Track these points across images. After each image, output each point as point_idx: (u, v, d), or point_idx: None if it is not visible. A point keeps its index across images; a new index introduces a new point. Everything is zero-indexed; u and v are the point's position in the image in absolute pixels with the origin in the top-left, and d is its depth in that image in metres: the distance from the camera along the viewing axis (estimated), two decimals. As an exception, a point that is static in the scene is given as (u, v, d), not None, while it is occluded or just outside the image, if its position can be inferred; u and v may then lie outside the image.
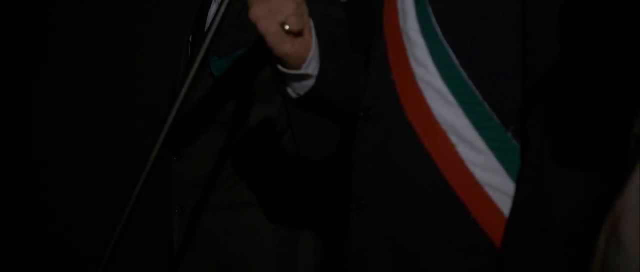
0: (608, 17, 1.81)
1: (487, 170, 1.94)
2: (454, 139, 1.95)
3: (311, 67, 2.08)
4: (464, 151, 1.95)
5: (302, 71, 2.07)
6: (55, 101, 4.07)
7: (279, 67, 2.09)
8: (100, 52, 3.96)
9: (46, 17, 4.06)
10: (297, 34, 2.02)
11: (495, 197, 1.93)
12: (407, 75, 2.00)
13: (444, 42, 1.95)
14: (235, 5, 2.07)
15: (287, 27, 1.98)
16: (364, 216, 2.04)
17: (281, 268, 2.68)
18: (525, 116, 1.90)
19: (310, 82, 2.10)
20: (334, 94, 2.15)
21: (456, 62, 1.94)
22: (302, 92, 2.12)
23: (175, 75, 2.76)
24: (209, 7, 2.72)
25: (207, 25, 2.69)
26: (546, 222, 1.84)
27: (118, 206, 2.00)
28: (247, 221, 2.69)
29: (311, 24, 2.08)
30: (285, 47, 2.02)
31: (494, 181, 1.93)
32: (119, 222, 1.96)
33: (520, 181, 1.90)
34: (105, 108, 3.97)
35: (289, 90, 2.14)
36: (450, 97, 1.95)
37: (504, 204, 1.92)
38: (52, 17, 4.05)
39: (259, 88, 2.64)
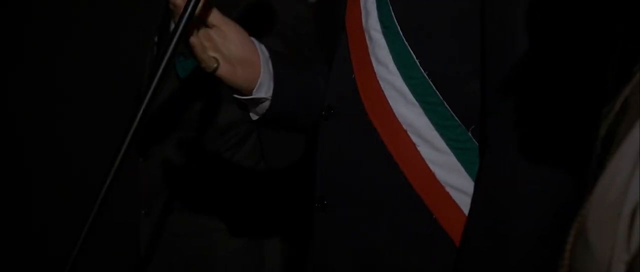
0: (570, 17, 1.82)
1: (447, 170, 1.94)
2: (415, 138, 1.95)
3: (263, 90, 2.10)
4: (424, 151, 1.95)
5: (253, 96, 2.09)
6: (18, 104, 4.04)
7: (234, 95, 2.11)
8: (66, 54, 3.94)
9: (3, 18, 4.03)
10: (236, 62, 2.04)
11: (456, 197, 1.94)
12: (368, 75, 2.00)
13: (405, 41, 1.95)
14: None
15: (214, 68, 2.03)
16: (326, 215, 2.04)
17: (248, 268, 2.67)
18: (486, 116, 1.91)
19: (266, 104, 2.12)
20: (293, 109, 2.17)
21: (417, 61, 1.95)
22: (260, 113, 2.14)
23: (141, 76, 2.75)
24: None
25: (172, 25, 2.68)
26: (503, 224, 1.85)
27: (84, 207, 1.98)
28: (213, 221, 2.68)
29: (258, 46, 2.09)
30: (231, 78, 2.05)
31: (455, 181, 1.94)
32: (86, 223, 1.94)
33: (477, 181, 1.92)
34: (71, 110, 3.95)
35: (249, 113, 2.15)
36: (411, 97, 1.96)
37: (465, 204, 1.93)
38: (11, 19, 4.02)
39: (225, 89, 2.63)
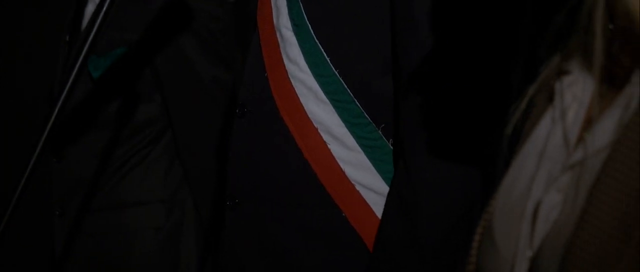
0: (474, 15, 1.84)
1: (357, 168, 1.96)
2: (325, 136, 1.96)
3: None
4: (335, 149, 1.96)
5: None
6: None
7: None
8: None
9: None
10: None
11: (366, 194, 1.95)
12: (280, 73, 2.01)
13: (316, 39, 1.96)
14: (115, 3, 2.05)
15: None
16: (237, 214, 2.04)
17: (164, 268, 2.66)
18: (397, 114, 1.93)
19: None
20: None
21: (327, 59, 1.96)
22: None
23: (51, 76, 2.71)
24: (85, 5, 2.68)
25: (84, 24, 2.66)
26: (415, 224, 1.88)
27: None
28: (129, 221, 2.67)
29: None
30: None
31: (365, 179, 1.95)
32: (-1, 225, 1.92)
33: (393, 180, 1.94)
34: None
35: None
36: (322, 95, 1.96)
37: (374, 201, 1.95)
38: None
39: (139, 87, 2.62)
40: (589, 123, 1.15)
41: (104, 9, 1.93)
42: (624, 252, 1.05)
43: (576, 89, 1.19)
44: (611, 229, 1.06)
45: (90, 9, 2.68)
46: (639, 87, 1.10)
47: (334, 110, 1.96)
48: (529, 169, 1.19)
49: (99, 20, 1.92)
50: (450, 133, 1.85)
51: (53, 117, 1.92)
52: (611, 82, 1.16)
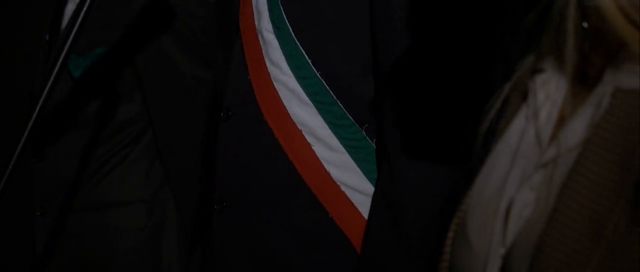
0: (456, 16, 1.85)
1: (342, 169, 1.96)
2: (309, 138, 1.97)
3: None
4: (319, 150, 1.97)
5: None
6: None
7: None
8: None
9: None
10: None
11: (351, 195, 1.95)
12: (263, 76, 2.01)
13: (297, 42, 1.96)
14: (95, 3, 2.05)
15: None
16: (225, 217, 2.04)
17: (145, 267, 2.66)
18: (380, 115, 1.93)
19: None
20: None
21: (309, 61, 1.96)
22: None
23: (32, 76, 2.71)
24: (65, 5, 2.68)
25: (64, 24, 2.66)
26: (401, 224, 1.88)
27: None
28: (110, 220, 2.67)
29: None
30: None
31: (350, 180, 1.96)
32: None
33: (377, 180, 1.94)
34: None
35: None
36: (304, 97, 1.97)
37: (360, 202, 1.95)
38: None
39: (120, 86, 2.61)
40: (561, 121, 1.16)
41: (85, 8, 1.92)
42: (595, 251, 1.05)
43: (549, 87, 1.20)
44: (582, 227, 1.06)
45: (70, 8, 2.68)
46: (610, 86, 1.10)
47: (317, 112, 1.96)
48: (503, 167, 1.20)
49: (79, 20, 1.92)
50: (431, 132, 1.85)
51: (34, 117, 1.92)
52: (584, 81, 1.16)
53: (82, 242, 2.68)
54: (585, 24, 1.12)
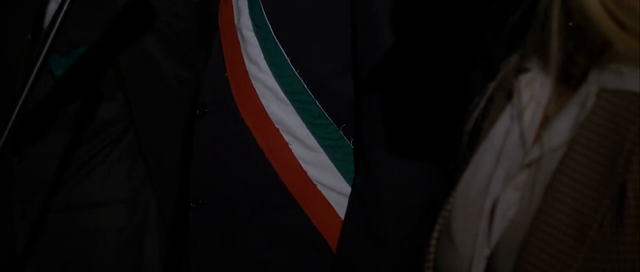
0: (437, 15, 1.85)
1: (319, 168, 1.96)
2: (287, 137, 1.96)
3: None
4: (296, 149, 1.96)
5: None
6: None
7: None
8: None
9: None
10: None
11: (328, 195, 1.95)
12: (241, 73, 2.00)
13: (276, 40, 1.96)
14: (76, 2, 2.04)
15: None
16: (201, 215, 2.03)
17: (127, 268, 2.65)
18: (358, 115, 1.93)
19: None
20: None
21: (288, 60, 1.95)
22: None
23: (14, 75, 2.69)
24: (47, 4, 2.67)
25: (46, 23, 2.64)
26: (377, 224, 1.88)
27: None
28: (91, 221, 2.66)
29: None
30: None
31: (327, 179, 1.95)
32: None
33: (355, 180, 1.94)
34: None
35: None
36: (282, 96, 1.96)
37: (337, 202, 1.94)
38: None
39: (101, 86, 2.60)
40: (546, 121, 1.15)
41: (65, 7, 1.91)
42: (579, 251, 1.05)
43: (534, 87, 1.19)
44: (567, 228, 1.06)
45: (52, 7, 2.66)
46: (595, 86, 1.10)
47: (294, 111, 1.95)
48: (487, 167, 1.19)
49: (59, 19, 1.91)
50: (410, 133, 1.85)
51: (14, 116, 1.91)
52: (568, 81, 1.16)
53: (63, 242, 2.67)
54: (570, 24, 1.12)
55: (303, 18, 1.93)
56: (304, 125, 1.95)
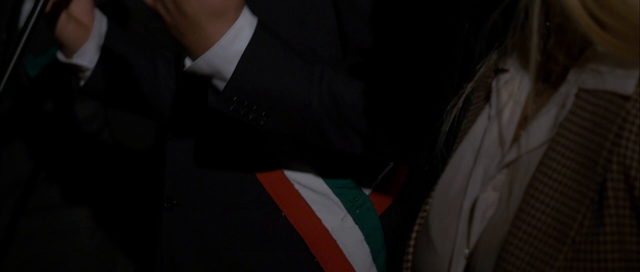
0: (414, 11, 1.84)
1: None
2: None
3: (86, 58, 2.09)
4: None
5: (74, 61, 2.09)
6: None
7: (58, 54, 2.11)
8: None
9: None
10: (73, 17, 2.05)
11: (304, 193, 1.94)
12: None
13: None
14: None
15: None
16: (175, 215, 2.02)
17: (101, 268, 2.65)
18: None
19: (87, 73, 2.11)
20: (117, 88, 2.16)
21: None
22: (82, 83, 2.13)
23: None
24: (22, 3, 2.66)
25: (22, 22, 2.63)
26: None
27: None
28: (65, 221, 2.65)
29: (98, 20, 2.09)
30: (61, 27, 2.06)
31: (303, 178, 1.95)
32: None
33: None
34: None
35: (77, 78, 2.15)
36: None
37: (313, 200, 1.93)
38: None
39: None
40: (525, 121, 1.15)
41: (38, 7, 1.90)
42: (560, 250, 1.05)
43: (512, 86, 1.19)
44: (547, 227, 1.06)
45: (27, 7, 2.65)
46: (575, 86, 1.09)
47: None
48: (466, 167, 1.19)
49: (33, 19, 1.90)
50: (389, 129, 1.84)
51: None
52: (547, 80, 1.16)
53: (37, 243, 2.66)
54: (548, 23, 1.12)
55: (280, 11, 1.91)
56: None
